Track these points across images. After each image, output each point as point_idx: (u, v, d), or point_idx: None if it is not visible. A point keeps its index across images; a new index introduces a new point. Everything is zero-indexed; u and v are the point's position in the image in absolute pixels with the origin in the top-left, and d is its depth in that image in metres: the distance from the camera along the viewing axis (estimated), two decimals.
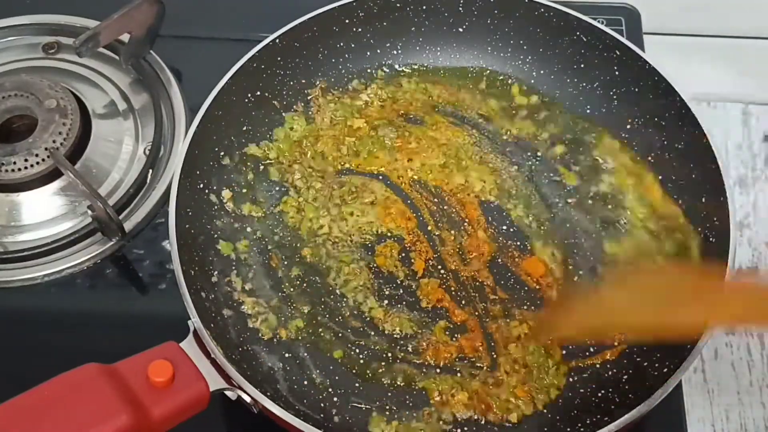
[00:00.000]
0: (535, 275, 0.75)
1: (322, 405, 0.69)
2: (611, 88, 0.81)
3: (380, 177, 0.80)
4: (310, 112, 0.84)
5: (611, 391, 0.68)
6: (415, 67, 0.86)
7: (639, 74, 0.78)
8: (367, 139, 0.82)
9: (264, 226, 0.78)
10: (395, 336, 0.72)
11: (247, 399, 0.62)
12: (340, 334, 0.72)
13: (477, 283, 0.74)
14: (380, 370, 0.70)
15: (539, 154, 0.81)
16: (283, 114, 0.82)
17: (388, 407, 0.69)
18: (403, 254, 0.76)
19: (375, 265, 0.76)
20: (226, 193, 0.77)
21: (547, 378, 0.69)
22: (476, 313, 0.73)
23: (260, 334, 0.72)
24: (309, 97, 0.84)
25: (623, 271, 0.75)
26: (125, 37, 0.88)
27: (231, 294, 0.73)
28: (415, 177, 0.80)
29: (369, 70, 0.86)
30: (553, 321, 0.72)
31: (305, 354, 0.71)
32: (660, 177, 0.77)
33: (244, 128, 0.80)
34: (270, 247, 0.77)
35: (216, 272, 0.73)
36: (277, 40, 0.80)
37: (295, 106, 0.83)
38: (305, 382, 0.70)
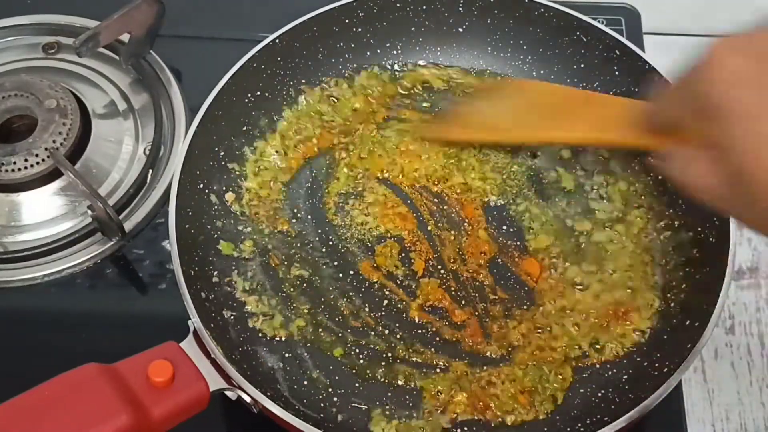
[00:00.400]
0: (535, 275, 0.75)
1: (322, 405, 0.69)
2: (611, 88, 0.81)
3: (380, 177, 0.80)
4: (311, 112, 0.83)
5: (611, 391, 0.68)
6: (416, 66, 0.86)
7: (639, 74, 0.78)
8: (367, 139, 0.82)
9: (264, 227, 0.78)
10: (395, 336, 0.72)
11: (247, 399, 0.62)
12: (340, 334, 0.72)
13: (477, 283, 0.74)
14: (380, 370, 0.70)
15: (539, 153, 0.81)
16: (283, 114, 0.82)
17: (388, 407, 0.69)
18: (403, 254, 0.76)
19: (375, 264, 0.76)
20: (230, 196, 0.77)
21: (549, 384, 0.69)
22: (476, 313, 0.73)
23: (260, 334, 0.72)
24: (309, 97, 0.84)
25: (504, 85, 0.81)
26: (125, 37, 0.88)
27: (231, 294, 0.73)
28: (416, 177, 0.80)
29: (369, 70, 0.86)
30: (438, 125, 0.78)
31: (305, 354, 0.71)
32: (660, 176, 0.77)
33: (244, 128, 0.80)
34: (270, 246, 0.77)
35: (216, 272, 0.73)
36: (277, 40, 0.80)
37: (295, 106, 0.83)
38: (305, 382, 0.70)
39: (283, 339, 0.72)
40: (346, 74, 0.85)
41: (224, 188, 0.77)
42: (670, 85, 0.52)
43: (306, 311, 0.73)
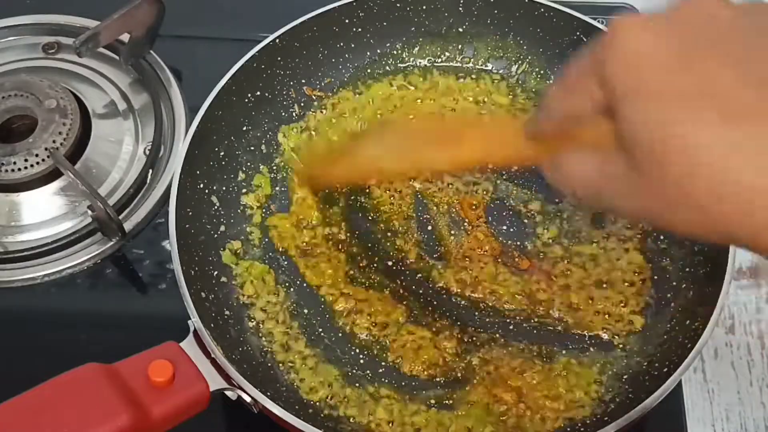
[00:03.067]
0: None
1: (322, 405, 0.69)
2: None
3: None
4: (311, 112, 0.83)
5: (611, 390, 0.68)
6: (416, 67, 0.86)
7: None
8: None
9: (264, 226, 0.78)
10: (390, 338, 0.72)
11: (247, 399, 0.62)
12: (341, 335, 0.72)
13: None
14: (381, 370, 0.70)
15: None
16: (283, 114, 0.82)
17: (388, 400, 0.69)
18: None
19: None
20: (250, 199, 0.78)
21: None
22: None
23: (260, 334, 0.72)
24: (309, 97, 0.84)
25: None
26: (125, 37, 0.88)
27: (231, 294, 0.73)
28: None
29: (369, 70, 0.86)
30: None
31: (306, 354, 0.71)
32: None
33: (244, 128, 0.80)
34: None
35: (216, 272, 0.73)
36: (277, 40, 0.80)
37: (295, 106, 0.83)
38: (305, 382, 0.70)
39: (284, 339, 0.72)
40: (347, 77, 0.85)
41: (224, 189, 0.77)
42: (560, 79, 0.44)
43: (306, 311, 0.73)
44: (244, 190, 0.78)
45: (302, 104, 0.83)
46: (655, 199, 0.38)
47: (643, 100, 0.37)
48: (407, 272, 0.75)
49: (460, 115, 0.81)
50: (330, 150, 0.75)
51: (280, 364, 0.70)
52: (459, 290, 0.74)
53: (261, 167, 0.80)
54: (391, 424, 0.67)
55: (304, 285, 0.75)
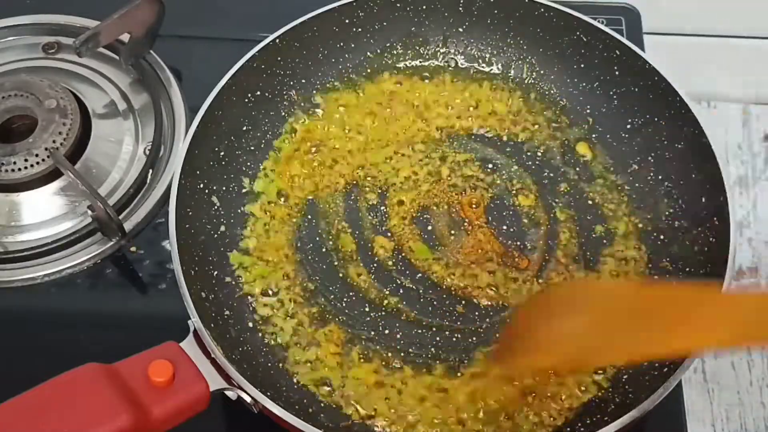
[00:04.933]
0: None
1: (322, 405, 0.69)
2: (611, 88, 0.81)
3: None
4: (311, 112, 0.83)
5: (611, 391, 0.68)
6: (416, 67, 0.86)
7: (639, 74, 0.78)
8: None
9: (264, 227, 0.78)
10: (396, 337, 0.72)
11: (247, 399, 0.62)
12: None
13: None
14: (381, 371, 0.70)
15: (539, 154, 0.81)
16: (284, 114, 0.82)
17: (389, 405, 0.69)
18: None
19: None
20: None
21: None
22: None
23: (261, 334, 0.72)
24: (309, 97, 0.84)
25: (582, 288, 0.64)
26: (125, 37, 0.88)
27: (231, 294, 0.73)
28: None
29: (369, 70, 0.86)
30: (509, 348, 0.62)
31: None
32: (660, 176, 0.77)
33: (244, 128, 0.80)
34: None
35: (216, 272, 0.73)
36: (277, 40, 0.80)
37: (295, 106, 0.83)
38: (306, 382, 0.70)
39: (284, 339, 0.72)
40: (347, 77, 0.85)
41: (224, 189, 0.77)
42: None
43: (307, 312, 0.73)
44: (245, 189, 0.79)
45: (302, 105, 0.83)
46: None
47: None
48: (407, 272, 0.75)
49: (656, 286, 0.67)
50: (526, 330, 0.60)
51: (281, 363, 0.70)
52: (459, 290, 0.74)
53: (261, 167, 0.80)
54: (392, 411, 0.68)
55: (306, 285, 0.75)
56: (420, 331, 0.72)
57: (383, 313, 0.73)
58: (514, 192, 0.79)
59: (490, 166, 0.81)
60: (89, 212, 0.78)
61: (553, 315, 0.57)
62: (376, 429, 0.67)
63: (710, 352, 0.49)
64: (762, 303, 0.48)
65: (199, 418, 0.62)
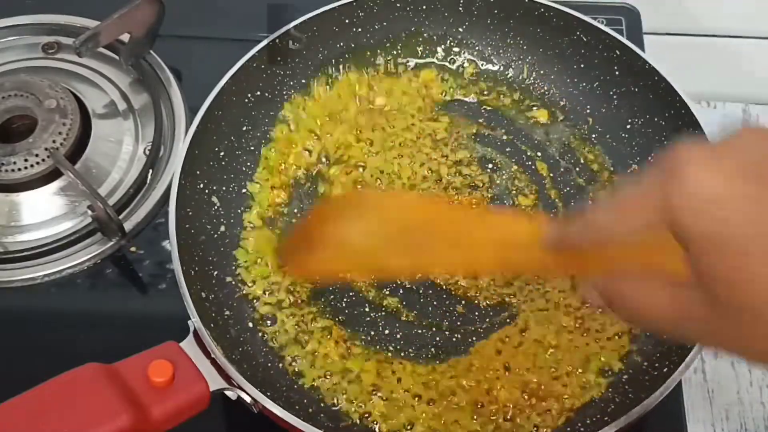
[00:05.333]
0: None
1: (322, 405, 0.69)
2: (611, 88, 0.81)
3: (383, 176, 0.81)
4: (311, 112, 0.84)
5: (611, 391, 0.68)
6: (415, 67, 0.86)
7: (639, 74, 0.78)
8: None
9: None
10: (396, 338, 0.72)
11: (247, 399, 0.62)
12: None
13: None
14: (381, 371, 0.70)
15: (539, 154, 0.81)
16: (283, 114, 0.82)
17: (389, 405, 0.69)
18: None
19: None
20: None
21: None
22: None
23: (261, 334, 0.72)
24: (310, 97, 0.84)
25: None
26: (125, 37, 0.88)
27: (231, 294, 0.73)
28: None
29: (369, 70, 0.86)
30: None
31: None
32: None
33: (244, 128, 0.80)
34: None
35: (216, 272, 0.73)
36: (277, 40, 0.80)
37: (296, 106, 0.83)
38: (306, 382, 0.70)
39: (284, 339, 0.72)
40: (347, 77, 0.85)
41: (224, 189, 0.77)
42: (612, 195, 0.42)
43: (307, 312, 0.73)
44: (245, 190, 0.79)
45: (303, 104, 0.83)
46: (736, 333, 0.37)
47: (725, 253, 0.36)
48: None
49: (467, 208, 0.71)
50: (311, 234, 0.61)
51: (281, 363, 0.70)
52: (459, 290, 0.74)
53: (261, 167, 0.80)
54: (392, 411, 0.68)
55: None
56: (420, 331, 0.72)
57: (383, 313, 0.73)
58: (514, 192, 0.79)
59: (490, 166, 0.81)
60: (89, 212, 0.78)
61: (338, 219, 0.58)
62: (375, 429, 0.67)
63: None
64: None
65: (199, 418, 0.62)
